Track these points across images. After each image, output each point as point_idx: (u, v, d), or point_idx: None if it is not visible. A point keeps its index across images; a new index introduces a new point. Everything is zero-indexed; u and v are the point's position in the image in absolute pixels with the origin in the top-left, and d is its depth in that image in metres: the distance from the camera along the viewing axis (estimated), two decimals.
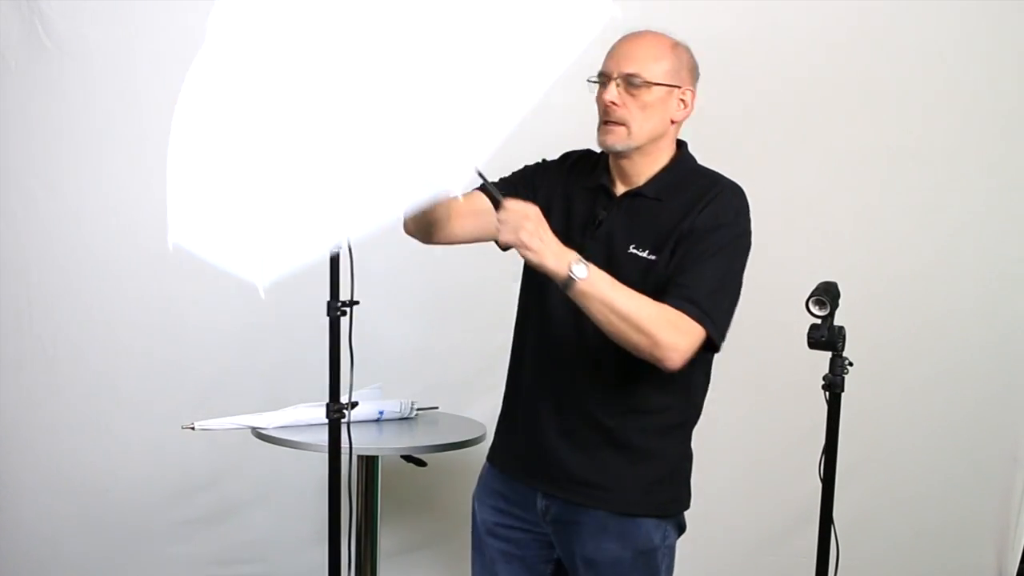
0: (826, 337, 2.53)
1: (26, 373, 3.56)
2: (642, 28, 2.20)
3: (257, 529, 3.59)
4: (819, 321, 2.54)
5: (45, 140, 3.50)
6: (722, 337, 2.12)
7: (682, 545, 3.48)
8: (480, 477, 2.39)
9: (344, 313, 2.17)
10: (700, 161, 3.36)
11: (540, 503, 2.24)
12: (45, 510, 3.57)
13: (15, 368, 3.56)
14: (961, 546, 3.38)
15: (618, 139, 2.15)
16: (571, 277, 1.95)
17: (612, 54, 2.17)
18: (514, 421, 2.30)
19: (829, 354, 2.56)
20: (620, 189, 2.21)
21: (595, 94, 2.18)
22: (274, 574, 3.59)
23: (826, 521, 2.62)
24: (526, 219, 1.93)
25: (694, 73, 2.22)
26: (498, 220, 1.95)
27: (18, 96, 3.49)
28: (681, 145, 2.27)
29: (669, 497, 2.26)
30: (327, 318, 2.19)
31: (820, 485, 2.63)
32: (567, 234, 2.12)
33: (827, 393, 2.59)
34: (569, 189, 2.24)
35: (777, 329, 3.28)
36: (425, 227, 2.18)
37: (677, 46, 2.21)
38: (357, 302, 2.19)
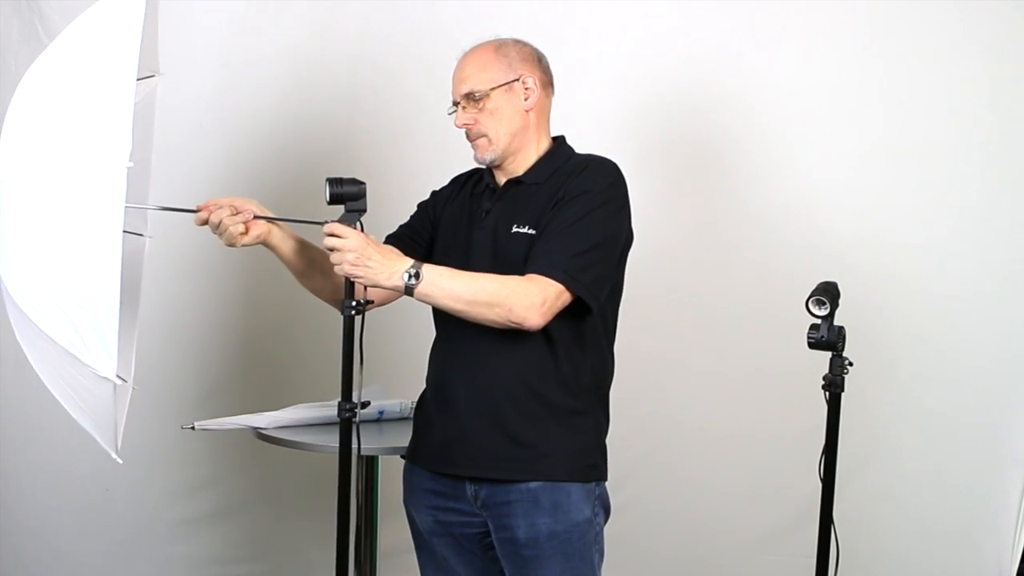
0: (826, 337, 2.54)
1: (26, 373, 3.54)
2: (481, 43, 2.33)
3: (258, 529, 3.59)
4: (819, 321, 2.54)
5: None
6: (594, 297, 2.21)
7: (683, 545, 3.50)
8: (405, 482, 2.42)
9: (359, 312, 2.18)
10: (696, 162, 3.37)
11: (470, 490, 2.29)
12: (45, 510, 3.57)
13: (15, 367, 3.56)
14: (961, 546, 3.38)
15: (485, 150, 2.31)
16: (408, 286, 2.11)
17: (452, 81, 2.32)
18: (429, 412, 2.36)
19: (829, 354, 2.57)
20: (502, 181, 2.34)
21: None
22: (274, 574, 3.60)
23: (826, 521, 2.63)
24: (349, 251, 2.10)
25: (530, 60, 2.34)
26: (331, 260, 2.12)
27: None
28: (558, 138, 2.39)
29: (589, 462, 2.30)
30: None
31: (820, 485, 2.63)
32: (458, 236, 2.33)
33: (827, 393, 2.59)
34: (460, 199, 2.40)
35: (777, 329, 3.28)
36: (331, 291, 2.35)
37: (500, 46, 2.32)
38: (371, 301, 2.19)
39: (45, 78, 2.05)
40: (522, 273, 2.19)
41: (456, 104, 2.31)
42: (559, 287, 2.16)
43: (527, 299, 2.14)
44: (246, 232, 2.21)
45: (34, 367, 2.14)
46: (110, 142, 1.87)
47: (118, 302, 1.88)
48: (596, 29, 3.42)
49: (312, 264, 2.35)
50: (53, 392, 2.14)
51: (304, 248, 2.33)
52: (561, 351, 2.24)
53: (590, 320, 2.25)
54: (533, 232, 2.23)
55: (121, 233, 1.86)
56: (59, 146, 1.94)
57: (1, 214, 2.00)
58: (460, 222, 2.35)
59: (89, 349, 1.93)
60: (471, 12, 3.28)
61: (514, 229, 2.25)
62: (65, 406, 2.13)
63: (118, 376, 1.93)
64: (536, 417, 2.24)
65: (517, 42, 2.34)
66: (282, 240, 2.29)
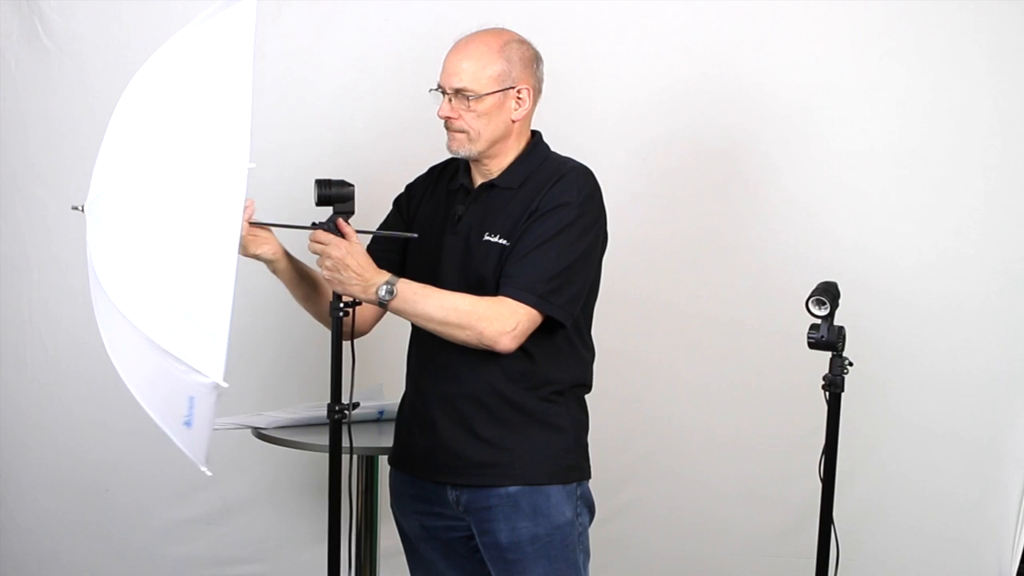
0: (826, 337, 2.54)
1: (26, 373, 3.56)
2: (484, 28, 2.29)
3: (257, 529, 3.59)
4: (819, 321, 2.54)
5: (45, 139, 3.50)
6: (568, 315, 2.22)
7: (684, 545, 3.50)
8: (391, 487, 2.44)
9: (347, 314, 2.18)
10: (695, 163, 3.37)
11: (451, 495, 2.29)
12: (45, 510, 3.57)
13: (15, 367, 3.56)
14: (961, 547, 3.37)
15: (460, 145, 2.27)
16: (381, 300, 2.14)
17: (444, 66, 2.27)
18: (408, 418, 2.38)
19: (829, 354, 2.57)
20: (477, 183, 2.31)
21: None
22: (274, 574, 3.60)
23: (826, 521, 2.63)
24: (327, 258, 2.13)
25: (530, 65, 2.29)
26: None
27: (18, 96, 3.49)
28: (535, 135, 2.35)
29: (568, 464, 2.30)
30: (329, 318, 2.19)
31: (820, 485, 2.63)
32: (430, 238, 2.31)
33: (827, 393, 2.59)
34: (435, 196, 2.38)
35: (777, 329, 3.28)
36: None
37: (507, 45, 2.26)
38: (360, 302, 2.19)
39: (157, 85, 2.07)
40: (490, 283, 2.20)
41: (441, 89, 2.26)
42: (531, 311, 2.17)
43: (498, 324, 2.15)
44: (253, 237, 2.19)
45: (127, 382, 2.13)
46: (229, 148, 1.88)
47: (230, 307, 1.89)
48: (596, 29, 3.41)
49: (316, 288, 2.35)
50: (148, 410, 2.13)
51: (308, 272, 2.34)
52: (535, 359, 2.25)
53: (563, 331, 2.25)
54: (505, 242, 2.22)
55: (239, 233, 1.87)
56: (173, 152, 1.94)
57: (108, 221, 2.03)
58: (433, 223, 2.33)
59: (193, 353, 1.93)
60: (471, 12, 3.28)
61: (485, 237, 2.24)
62: (157, 420, 2.12)
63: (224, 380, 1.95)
64: (511, 423, 2.25)
65: (521, 42, 2.29)
66: (289, 262, 2.29)
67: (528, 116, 2.31)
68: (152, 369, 2.00)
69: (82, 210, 2.07)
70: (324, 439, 2.29)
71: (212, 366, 1.92)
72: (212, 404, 1.98)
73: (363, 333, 2.42)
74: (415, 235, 2.24)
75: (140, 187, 1.96)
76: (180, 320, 1.91)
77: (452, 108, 2.24)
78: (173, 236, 1.92)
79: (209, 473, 2.10)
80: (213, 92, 1.94)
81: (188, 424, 2.03)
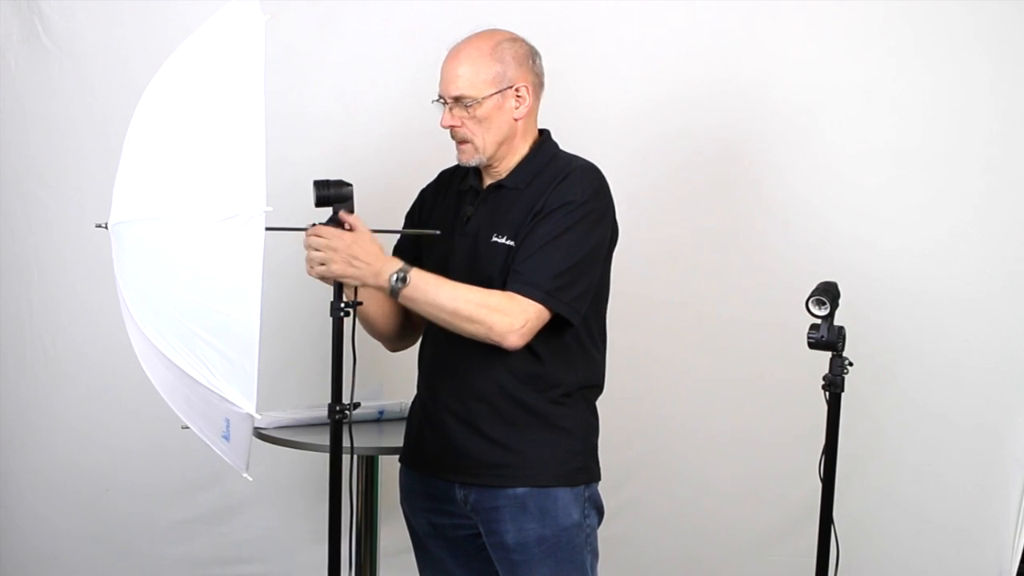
0: (826, 337, 2.54)
1: (26, 373, 3.56)
2: (474, 33, 2.29)
3: (257, 529, 3.59)
4: (819, 321, 2.55)
5: (45, 139, 3.50)
6: (576, 313, 2.21)
7: (684, 544, 3.51)
8: (400, 484, 2.44)
9: (348, 314, 2.18)
10: (696, 162, 3.36)
11: (459, 493, 2.30)
12: (45, 510, 3.58)
13: (15, 368, 3.56)
14: (961, 546, 3.38)
15: (469, 156, 2.27)
16: (393, 288, 2.13)
17: (442, 75, 2.27)
18: (418, 416, 2.38)
19: (829, 354, 2.57)
20: (486, 184, 2.32)
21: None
22: (274, 574, 3.60)
23: (826, 521, 2.63)
24: (332, 251, 2.09)
25: (524, 62, 2.28)
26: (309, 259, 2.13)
27: (18, 96, 3.49)
28: (543, 132, 2.35)
29: (576, 466, 2.30)
30: (329, 318, 2.19)
31: (820, 485, 2.63)
32: (440, 239, 2.29)
33: (827, 393, 2.60)
34: (447, 198, 2.38)
35: (777, 329, 3.28)
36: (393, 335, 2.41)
37: (498, 45, 2.26)
38: (360, 303, 2.19)
39: (171, 102, 2.08)
40: (497, 284, 2.20)
41: (443, 99, 2.26)
42: (540, 307, 2.16)
43: (507, 320, 2.14)
44: None
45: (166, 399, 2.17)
46: (247, 193, 1.92)
47: (258, 343, 1.90)
48: (597, 27, 3.42)
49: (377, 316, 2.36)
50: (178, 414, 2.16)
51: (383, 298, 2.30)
52: (544, 360, 2.25)
53: (572, 330, 2.25)
54: (511, 243, 2.22)
55: (261, 267, 1.90)
56: (193, 193, 1.97)
57: (134, 254, 2.04)
58: (444, 224, 2.33)
59: (227, 387, 1.96)
60: (471, 12, 3.28)
61: (493, 238, 2.24)
62: (196, 431, 2.16)
63: (257, 411, 1.97)
64: (520, 424, 2.25)
65: (513, 40, 2.29)
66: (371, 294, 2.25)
67: (532, 113, 2.31)
68: (187, 390, 2.03)
69: (106, 227, 2.07)
70: (324, 439, 2.29)
71: (245, 399, 1.94)
72: (248, 427, 2.01)
73: (409, 342, 2.46)
74: (438, 232, 2.24)
75: (164, 226, 1.99)
76: (212, 355, 1.95)
77: (454, 116, 2.25)
78: (200, 277, 1.96)
79: (251, 479, 2.13)
80: (228, 122, 1.97)
81: (226, 438, 2.06)
